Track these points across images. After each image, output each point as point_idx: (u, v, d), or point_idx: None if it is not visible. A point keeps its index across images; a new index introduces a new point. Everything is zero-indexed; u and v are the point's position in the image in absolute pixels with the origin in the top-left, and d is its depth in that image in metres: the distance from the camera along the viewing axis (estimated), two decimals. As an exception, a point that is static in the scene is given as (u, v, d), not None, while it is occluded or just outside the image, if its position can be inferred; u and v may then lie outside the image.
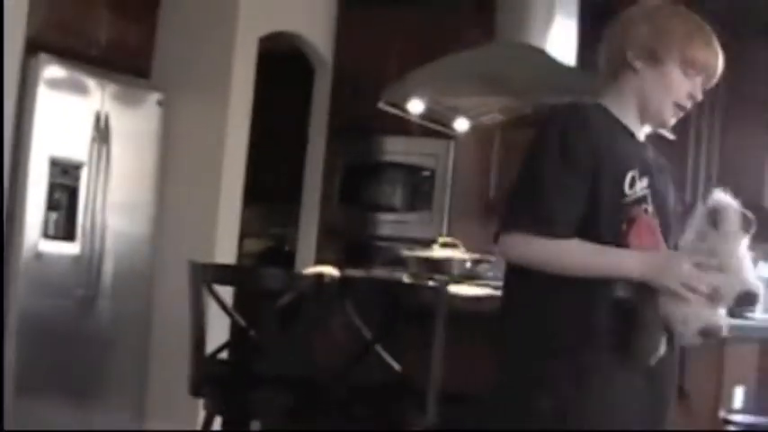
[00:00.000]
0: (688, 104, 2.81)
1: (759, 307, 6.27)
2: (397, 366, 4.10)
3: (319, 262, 6.66)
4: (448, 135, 6.44)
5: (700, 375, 4.16)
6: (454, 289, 4.55)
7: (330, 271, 4.88)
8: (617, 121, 2.80)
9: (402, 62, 6.20)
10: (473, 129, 6.06)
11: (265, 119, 7.39)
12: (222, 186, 6.78)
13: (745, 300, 2.61)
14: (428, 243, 5.56)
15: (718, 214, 2.65)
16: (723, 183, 6.84)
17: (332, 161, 7.71)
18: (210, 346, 4.34)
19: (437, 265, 5.06)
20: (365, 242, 7.44)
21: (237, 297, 6.01)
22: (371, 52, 7.46)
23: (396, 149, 7.46)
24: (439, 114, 5.83)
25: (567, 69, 5.30)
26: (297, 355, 4.61)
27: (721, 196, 2.68)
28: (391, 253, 6.59)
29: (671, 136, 5.67)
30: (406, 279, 4.91)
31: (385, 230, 7.44)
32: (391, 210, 7.46)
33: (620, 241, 2.67)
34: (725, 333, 2.68)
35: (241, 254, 7.62)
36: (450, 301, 4.10)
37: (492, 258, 5.18)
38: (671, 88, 2.79)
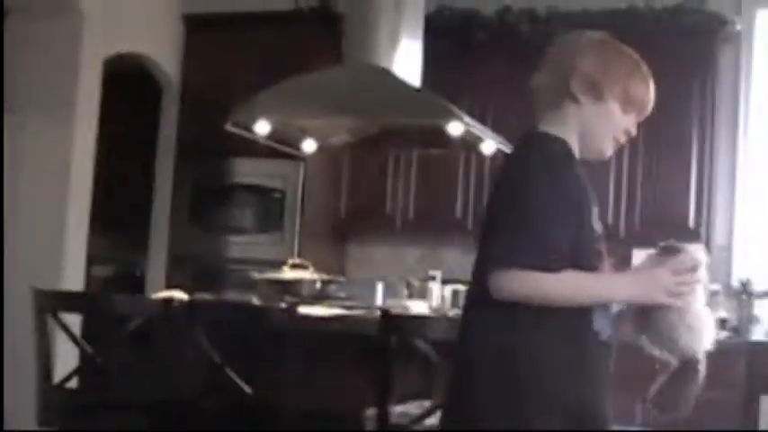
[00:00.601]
0: (623, 139, 2.83)
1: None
2: (248, 389, 4.09)
3: (170, 286, 6.58)
4: (297, 156, 6.45)
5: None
6: (305, 310, 4.56)
7: (179, 295, 4.85)
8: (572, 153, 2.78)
9: (249, 83, 6.17)
10: (322, 150, 6.08)
11: (113, 142, 7.30)
12: (69, 210, 6.66)
13: None
14: (279, 265, 5.56)
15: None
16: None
17: (180, 184, 7.64)
18: (62, 374, 4.27)
19: (287, 287, 5.07)
20: (216, 265, 7.38)
21: (86, 324, 5.90)
22: (219, 73, 7.43)
23: (245, 171, 7.43)
24: (287, 136, 5.82)
25: (413, 90, 5.36)
26: (148, 381, 4.55)
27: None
28: (243, 275, 6.55)
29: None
30: (256, 301, 4.90)
31: (236, 253, 7.40)
32: (242, 232, 7.42)
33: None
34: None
35: (90, 280, 7.49)
36: (300, 322, 4.10)
37: (341, 279, 5.22)
38: (612, 123, 2.79)
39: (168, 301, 4.62)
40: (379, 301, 5.96)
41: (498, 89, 7.10)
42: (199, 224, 7.55)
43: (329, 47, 6.46)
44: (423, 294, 5.91)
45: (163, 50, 7.61)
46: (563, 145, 2.73)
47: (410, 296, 5.98)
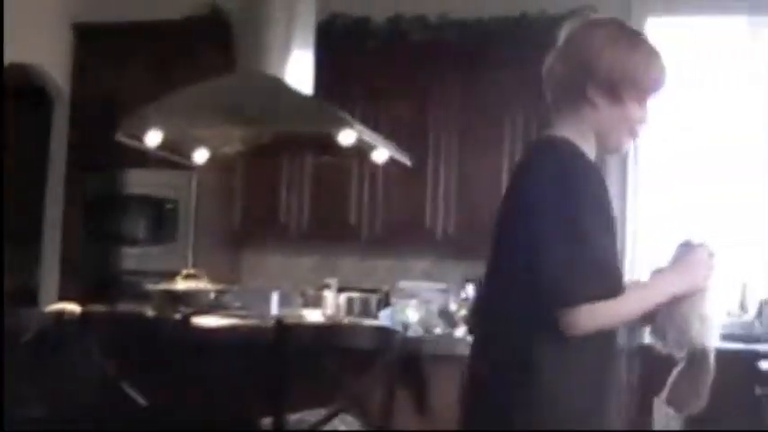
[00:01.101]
0: (641, 130, 2.79)
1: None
2: (142, 401, 4.05)
3: (63, 299, 6.50)
4: (190, 166, 6.41)
5: (443, 389, 4.27)
6: (199, 321, 4.54)
7: (71, 307, 4.79)
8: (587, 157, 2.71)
9: (141, 93, 6.13)
10: (214, 159, 6.04)
11: (2, 153, 7.18)
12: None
13: None
14: (174, 275, 5.52)
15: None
16: (462, 205, 7.09)
17: (73, 196, 7.56)
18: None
19: (181, 298, 5.04)
20: (110, 277, 7.31)
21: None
22: (110, 83, 7.37)
23: (138, 182, 7.37)
24: (179, 145, 5.78)
25: (305, 98, 5.36)
26: (41, 396, 4.49)
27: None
28: (137, 287, 6.49)
29: (407, 162, 5.83)
30: (150, 313, 4.86)
31: (130, 264, 7.33)
32: (135, 243, 7.36)
33: None
34: None
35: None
36: (194, 333, 4.09)
37: (235, 288, 5.20)
38: (629, 120, 2.75)
39: (60, 313, 4.56)
40: (274, 310, 5.95)
41: (391, 96, 7.15)
42: (92, 236, 7.47)
43: (221, 56, 6.44)
44: (318, 303, 5.92)
45: (52, 61, 7.51)
46: (583, 156, 2.65)
47: (305, 305, 5.98)
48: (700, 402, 2.71)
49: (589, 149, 2.71)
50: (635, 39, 2.77)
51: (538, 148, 2.71)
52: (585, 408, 2.59)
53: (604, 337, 2.59)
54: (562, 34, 2.76)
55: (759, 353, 5.77)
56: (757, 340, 6.39)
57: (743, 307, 6.84)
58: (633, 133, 2.78)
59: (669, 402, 2.77)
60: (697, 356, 2.68)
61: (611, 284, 2.51)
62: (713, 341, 2.69)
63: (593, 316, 2.48)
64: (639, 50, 2.74)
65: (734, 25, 7.10)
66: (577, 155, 2.63)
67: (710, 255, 2.70)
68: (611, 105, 2.71)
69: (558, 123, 2.74)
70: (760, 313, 6.64)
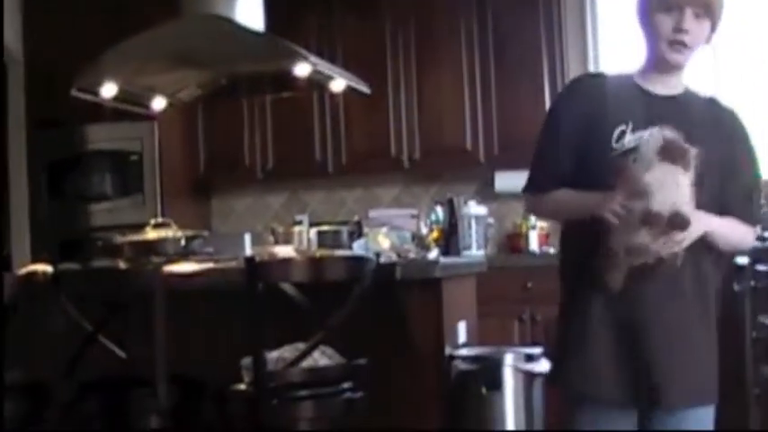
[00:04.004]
0: (682, 37, 3.02)
1: (473, 243, 6.52)
2: (122, 354, 4.04)
3: (36, 261, 6.47)
4: (150, 116, 6.35)
5: (419, 313, 4.28)
6: (171, 268, 4.51)
7: (43, 268, 4.75)
8: (626, 82, 3.17)
9: (91, 47, 6.05)
10: (173, 106, 5.99)
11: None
12: None
13: (675, 222, 2.86)
14: (144, 227, 5.49)
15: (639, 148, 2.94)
16: (425, 129, 7.10)
17: (35, 158, 7.50)
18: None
19: (151, 247, 5.00)
20: (80, 235, 7.27)
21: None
22: (60, 40, 7.28)
23: (99, 137, 7.32)
24: (135, 96, 5.72)
25: (256, 35, 5.30)
26: (16, 361, 4.47)
27: (654, 131, 2.94)
28: (108, 242, 6.46)
29: (366, 89, 5.79)
30: (122, 265, 4.82)
31: (99, 221, 7.29)
32: (102, 199, 7.33)
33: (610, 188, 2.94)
34: (660, 253, 2.93)
35: (-49, 264, 7.32)
36: (166, 281, 4.06)
37: (205, 234, 5.18)
38: (658, 32, 3.05)
39: (32, 274, 4.53)
40: (247, 251, 5.93)
41: (345, 26, 7.12)
42: (58, 196, 7.43)
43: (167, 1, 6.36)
44: (289, 240, 5.89)
45: (3, 22, 7.40)
46: (577, 81, 3.33)
47: (276, 243, 5.95)
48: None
49: (648, 77, 3.15)
50: None
51: None
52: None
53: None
54: None
55: (734, 249, 5.79)
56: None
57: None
58: (674, 45, 3.04)
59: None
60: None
61: (540, 185, 3.23)
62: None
63: (532, 203, 3.37)
64: None
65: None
66: (572, 86, 3.32)
67: (667, 153, 2.86)
68: (645, 25, 3.10)
69: None
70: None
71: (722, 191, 3.09)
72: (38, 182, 7.46)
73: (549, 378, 3.49)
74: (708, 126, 3.09)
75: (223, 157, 7.49)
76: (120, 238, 5.26)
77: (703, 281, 3.11)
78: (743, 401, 5.45)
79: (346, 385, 3.82)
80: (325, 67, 5.38)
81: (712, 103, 3.22)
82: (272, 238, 6.07)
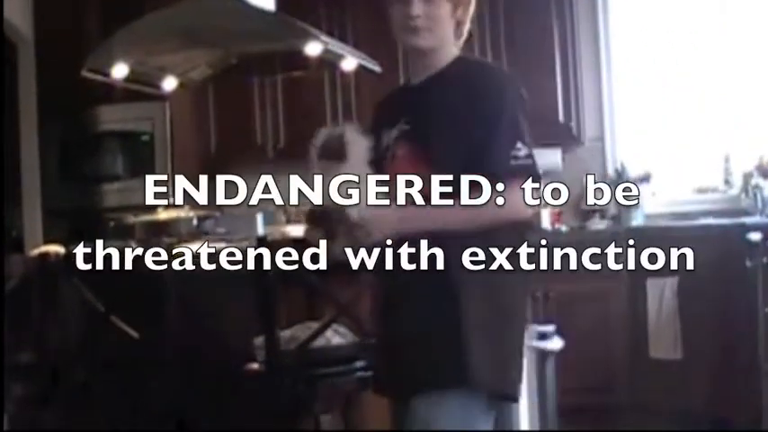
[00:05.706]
0: (411, 22, 2.93)
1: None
2: (135, 334, 4.05)
3: (48, 242, 6.48)
4: (161, 96, 6.34)
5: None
6: (183, 248, 4.51)
7: (56, 249, 4.75)
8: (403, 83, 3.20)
9: (102, 28, 6.05)
10: (184, 86, 5.98)
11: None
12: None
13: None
14: (156, 208, 5.50)
15: None
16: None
17: (47, 139, 7.48)
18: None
19: (164, 228, 5.01)
20: (93, 216, 7.27)
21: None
22: (71, 22, 7.26)
23: (110, 118, 7.30)
24: (146, 76, 5.71)
25: (266, 14, 5.28)
26: (31, 342, 4.48)
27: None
28: (120, 223, 6.47)
29: (377, 68, 5.77)
30: (133, 246, 4.83)
31: (111, 201, 7.28)
32: (114, 179, 7.31)
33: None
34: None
35: (-36, 246, 7.33)
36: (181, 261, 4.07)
37: (217, 214, 5.18)
38: (393, 23, 3.00)
39: (44, 255, 4.53)
40: (260, 231, 5.94)
41: (357, 6, 7.09)
42: (70, 177, 7.42)
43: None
44: (301, 219, 5.89)
45: (11, 7, 7.39)
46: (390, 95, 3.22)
47: (288, 222, 5.96)
48: None
49: (413, 69, 3.09)
50: None
51: None
52: None
53: None
54: None
55: (747, 225, 5.77)
56: (744, 213, 6.40)
57: (727, 182, 6.84)
58: (407, 30, 2.95)
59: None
60: None
61: None
62: None
63: None
64: None
65: None
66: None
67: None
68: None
69: None
70: (745, 186, 6.63)
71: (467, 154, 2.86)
72: (49, 163, 7.45)
73: None
74: (451, 96, 2.92)
75: (235, 136, 7.47)
76: (131, 219, 5.26)
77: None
78: (755, 376, 5.45)
79: (359, 364, 3.82)
80: (336, 45, 5.37)
81: (460, 61, 3.04)
82: (284, 218, 6.08)
